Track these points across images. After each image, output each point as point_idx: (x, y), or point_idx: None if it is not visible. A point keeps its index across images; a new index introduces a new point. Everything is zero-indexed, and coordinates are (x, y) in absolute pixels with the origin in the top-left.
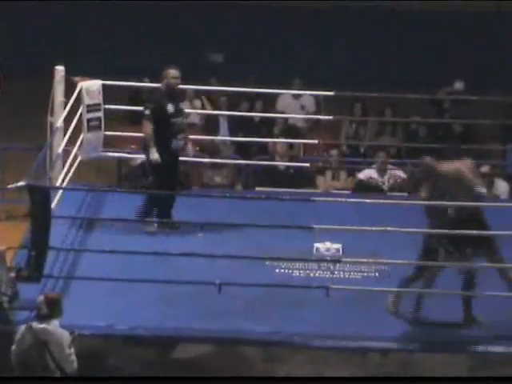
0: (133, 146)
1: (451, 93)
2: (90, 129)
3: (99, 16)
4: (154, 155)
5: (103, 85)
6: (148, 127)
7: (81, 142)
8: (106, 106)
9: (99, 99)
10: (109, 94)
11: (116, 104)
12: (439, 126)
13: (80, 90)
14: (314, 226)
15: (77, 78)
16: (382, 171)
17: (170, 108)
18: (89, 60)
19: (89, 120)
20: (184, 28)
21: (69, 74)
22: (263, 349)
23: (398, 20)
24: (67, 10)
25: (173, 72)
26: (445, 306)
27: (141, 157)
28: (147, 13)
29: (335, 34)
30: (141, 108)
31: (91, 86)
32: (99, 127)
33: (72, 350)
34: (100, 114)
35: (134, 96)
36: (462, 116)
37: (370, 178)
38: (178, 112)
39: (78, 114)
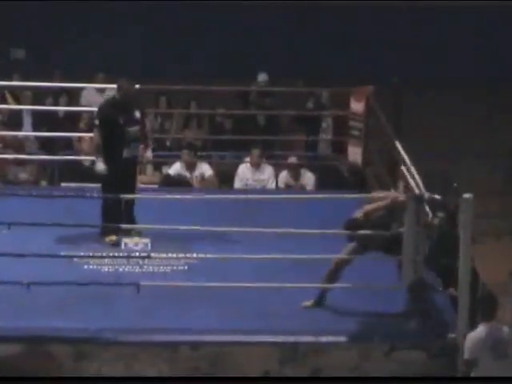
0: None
1: (255, 85)
2: None
3: None
4: (99, 166)
5: None
6: (96, 138)
7: None
8: None
9: None
10: None
11: None
12: (244, 118)
13: None
14: (122, 226)
15: None
16: (190, 168)
17: (122, 118)
18: None
19: None
20: None
21: None
22: (72, 346)
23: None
24: None
25: (126, 83)
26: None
27: None
28: None
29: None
30: None
31: None
32: None
33: None
34: None
35: None
36: (266, 108)
37: (179, 174)
38: (131, 121)
39: None
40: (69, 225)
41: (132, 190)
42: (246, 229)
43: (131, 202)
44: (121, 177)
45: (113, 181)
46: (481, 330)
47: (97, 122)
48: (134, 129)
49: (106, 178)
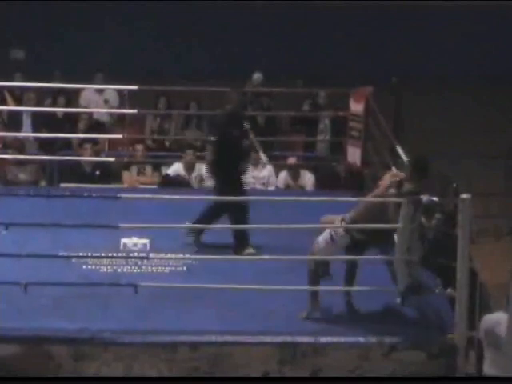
0: None
1: (250, 84)
2: None
3: None
4: (209, 182)
5: None
6: (211, 152)
7: None
8: None
9: None
10: None
11: None
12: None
13: None
14: (120, 225)
15: None
16: (189, 168)
17: (235, 132)
18: None
19: None
20: None
21: None
22: (71, 347)
23: None
24: None
25: (236, 94)
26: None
27: None
28: None
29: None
30: None
31: None
32: None
33: None
34: None
35: None
36: (263, 107)
37: (178, 175)
38: (244, 134)
39: None
40: (68, 225)
41: (247, 202)
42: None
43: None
44: (238, 191)
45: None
46: (498, 315)
47: (213, 138)
48: (247, 141)
49: (223, 194)
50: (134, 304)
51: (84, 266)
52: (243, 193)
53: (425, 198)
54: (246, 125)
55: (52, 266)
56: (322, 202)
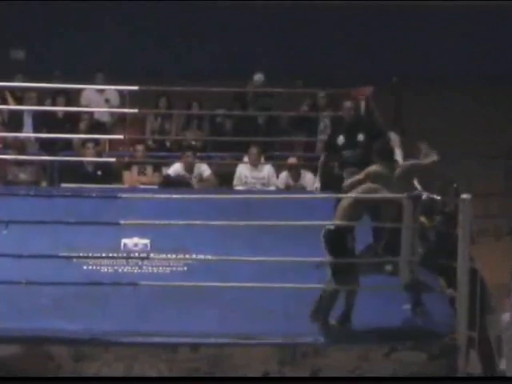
0: None
1: (251, 85)
2: None
3: None
4: (316, 183)
5: None
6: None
7: None
8: None
9: None
10: None
11: None
12: (244, 119)
13: None
14: (121, 222)
15: None
16: (190, 169)
17: (341, 140)
18: None
19: None
20: None
21: None
22: (71, 347)
23: None
24: None
25: (346, 104)
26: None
27: None
28: None
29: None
30: None
31: None
32: None
33: None
34: None
35: None
36: (265, 108)
37: (178, 175)
38: (351, 144)
39: None
40: (68, 223)
41: None
42: (243, 222)
43: None
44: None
45: None
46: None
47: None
48: (351, 152)
49: None
50: (134, 304)
51: (85, 267)
52: None
53: (425, 196)
54: (360, 136)
55: (53, 267)
56: (325, 203)
